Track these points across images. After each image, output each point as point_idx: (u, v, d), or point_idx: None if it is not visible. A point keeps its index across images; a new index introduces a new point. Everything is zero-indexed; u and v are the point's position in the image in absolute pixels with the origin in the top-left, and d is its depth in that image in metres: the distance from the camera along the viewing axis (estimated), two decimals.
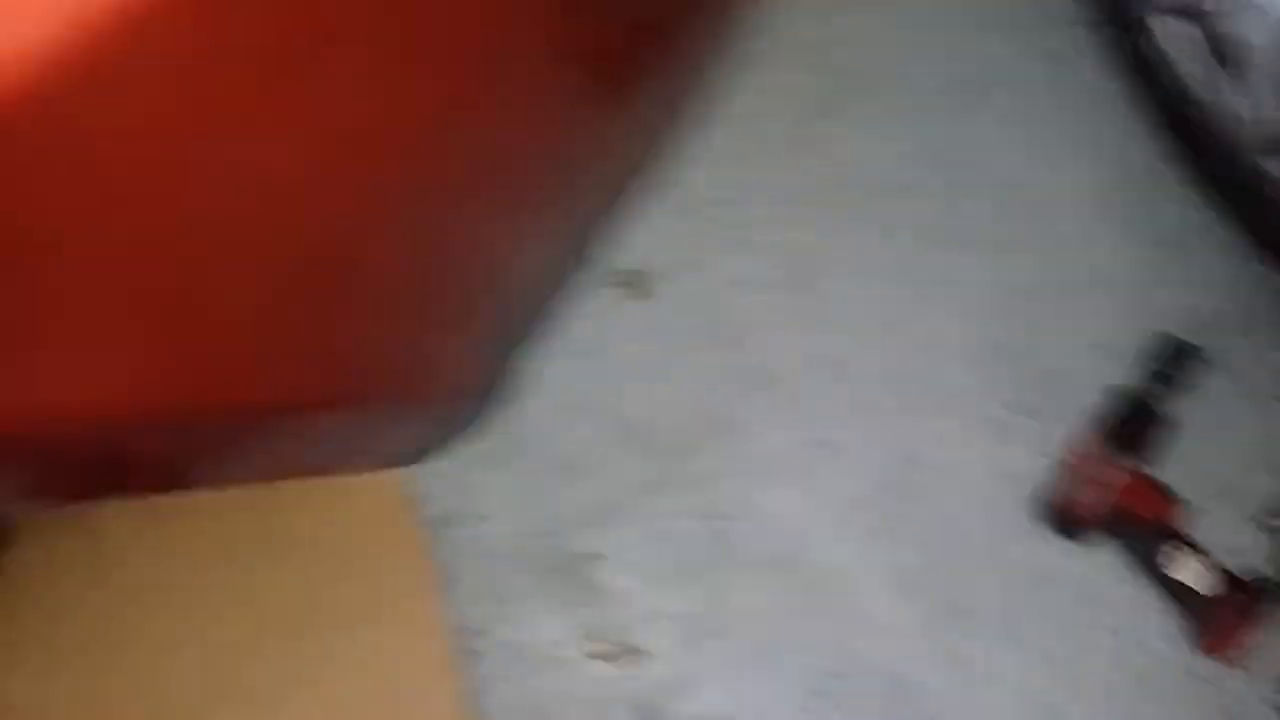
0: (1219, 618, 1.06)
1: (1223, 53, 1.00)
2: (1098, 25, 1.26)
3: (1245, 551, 1.10)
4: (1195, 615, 1.06)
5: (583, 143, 0.53)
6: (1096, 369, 1.16)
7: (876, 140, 1.26)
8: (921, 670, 1.10)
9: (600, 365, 1.20)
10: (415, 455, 0.67)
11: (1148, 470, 1.10)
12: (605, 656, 1.14)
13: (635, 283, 1.21)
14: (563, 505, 1.18)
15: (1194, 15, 1.04)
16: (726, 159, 1.21)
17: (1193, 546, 1.07)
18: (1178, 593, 1.07)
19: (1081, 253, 1.21)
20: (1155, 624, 1.10)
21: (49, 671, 1.13)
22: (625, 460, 1.18)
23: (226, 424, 0.42)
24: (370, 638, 1.15)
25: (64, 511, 1.12)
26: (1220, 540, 1.10)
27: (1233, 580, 1.06)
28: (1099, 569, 1.11)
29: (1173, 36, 1.09)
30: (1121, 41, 1.20)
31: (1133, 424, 1.11)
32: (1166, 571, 1.07)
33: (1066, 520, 1.10)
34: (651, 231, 1.11)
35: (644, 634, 1.14)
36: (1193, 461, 1.12)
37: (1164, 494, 1.09)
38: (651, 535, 1.16)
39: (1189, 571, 1.06)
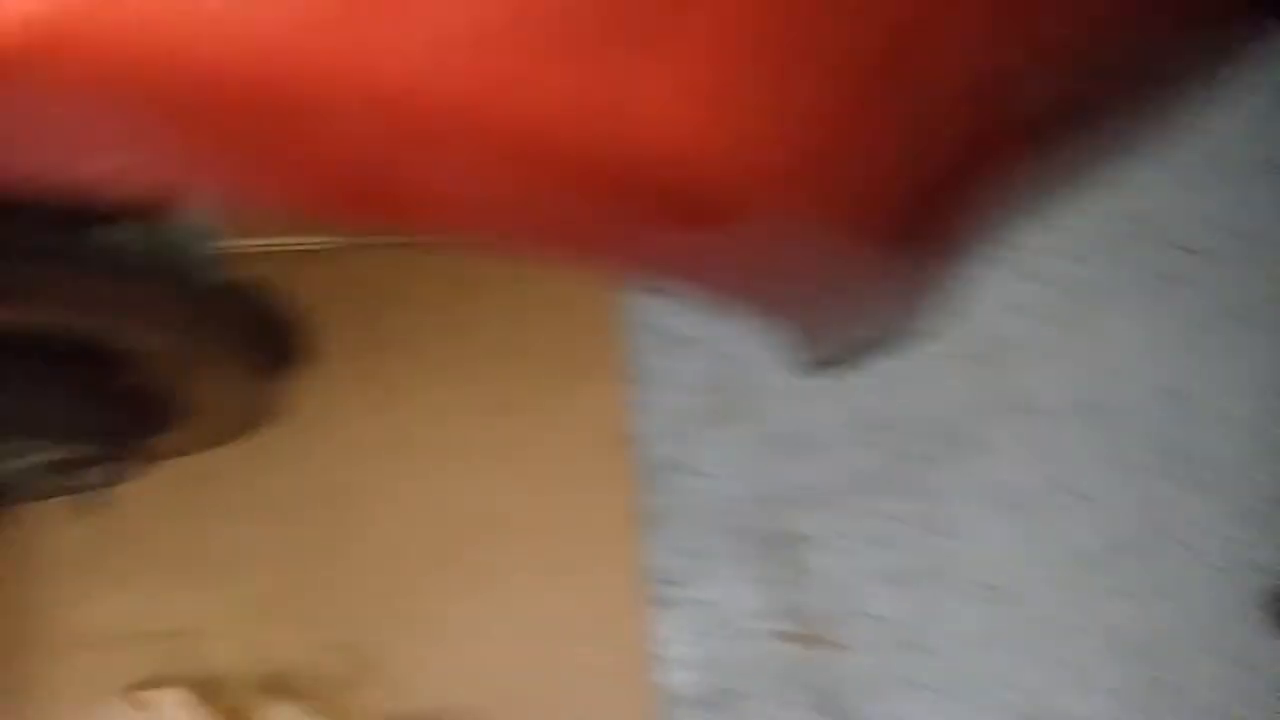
0: None
1: None
2: None
3: None
4: None
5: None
6: None
7: (1181, 194, 1.22)
8: None
9: None
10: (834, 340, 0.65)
11: None
12: (796, 639, 1.13)
13: None
14: (783, 479, 1.17)
15: None
16: None
17: None
18: None
19: None
20: None
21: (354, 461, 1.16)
22: (857, 452, 1.16)
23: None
24: (568, 566, 1.15)
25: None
26: None
27: None
28: None
29: None
30: None
31: None
32: None
33: None
34: None
35: (840, 628, 1.13)
36: None
37: None
38: (868, 532, 1.14)
39: None
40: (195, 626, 1.13)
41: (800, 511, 1.15)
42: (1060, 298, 1.18)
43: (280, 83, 0.33)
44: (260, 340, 0.87)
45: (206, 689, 1.11)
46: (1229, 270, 1.19)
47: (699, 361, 1.19)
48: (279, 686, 1.11)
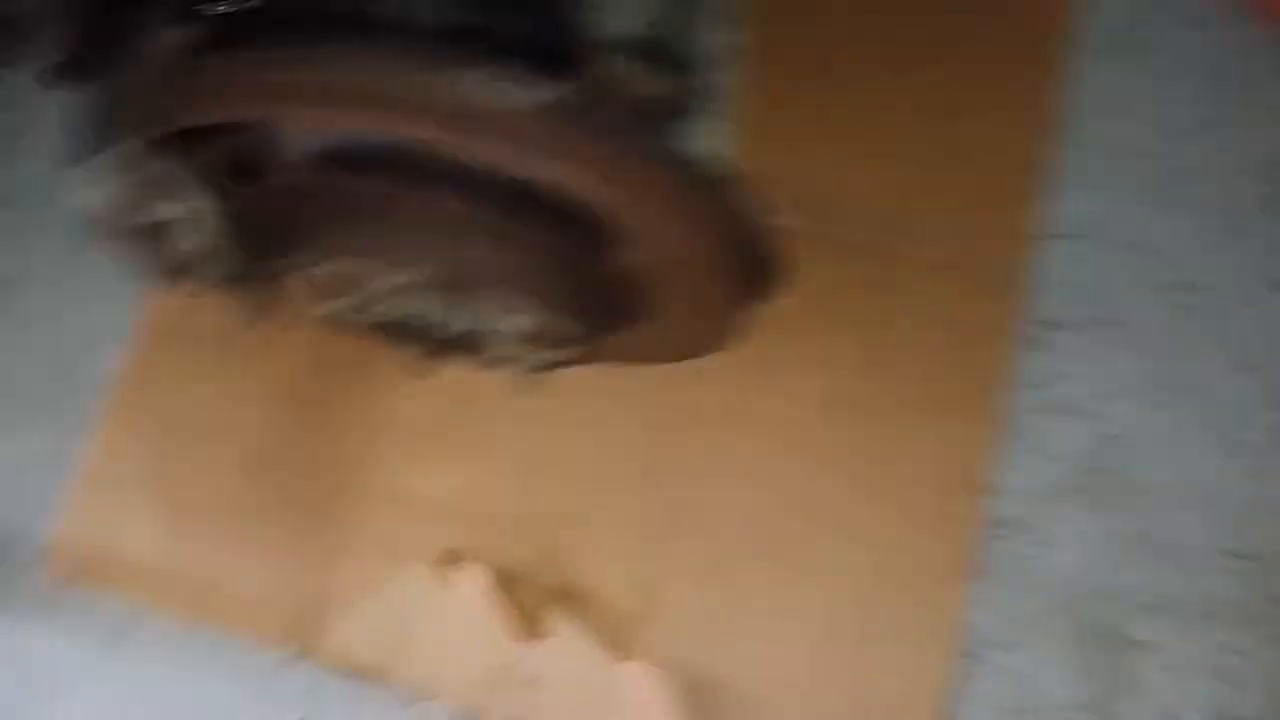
0: None
1: None
2: None
3: None
4: None
5: None
6: None
7: None
8: None
9: (1245, 459, 1.11)
10: None
11: None
12: None
13: None
14: (1132, 579, 1.11)
15: None
16: None
17: None
18: None
19: None
20: None
21: None
22: (1220, 576, 1.10)
23: None
24: (886, 592, 1.14)
25: None
26: None
27: None
28: None
29: None
30: None
31: None
32: None
33: None
34: None
35: None
36: None
37: None
38: (1209, 662, 1.07)
39: None
40: (509, 520, 1.14)
41: (1141, 617, 1.09)
42: None
43: None
44: (748, 263, 0.87)
45: (503, 581, 1.12)
46: None
47: (1081, 436, 1.14)
48: (570, 601, 1.11)
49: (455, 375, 1.07)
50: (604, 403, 1.17)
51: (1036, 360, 1.16)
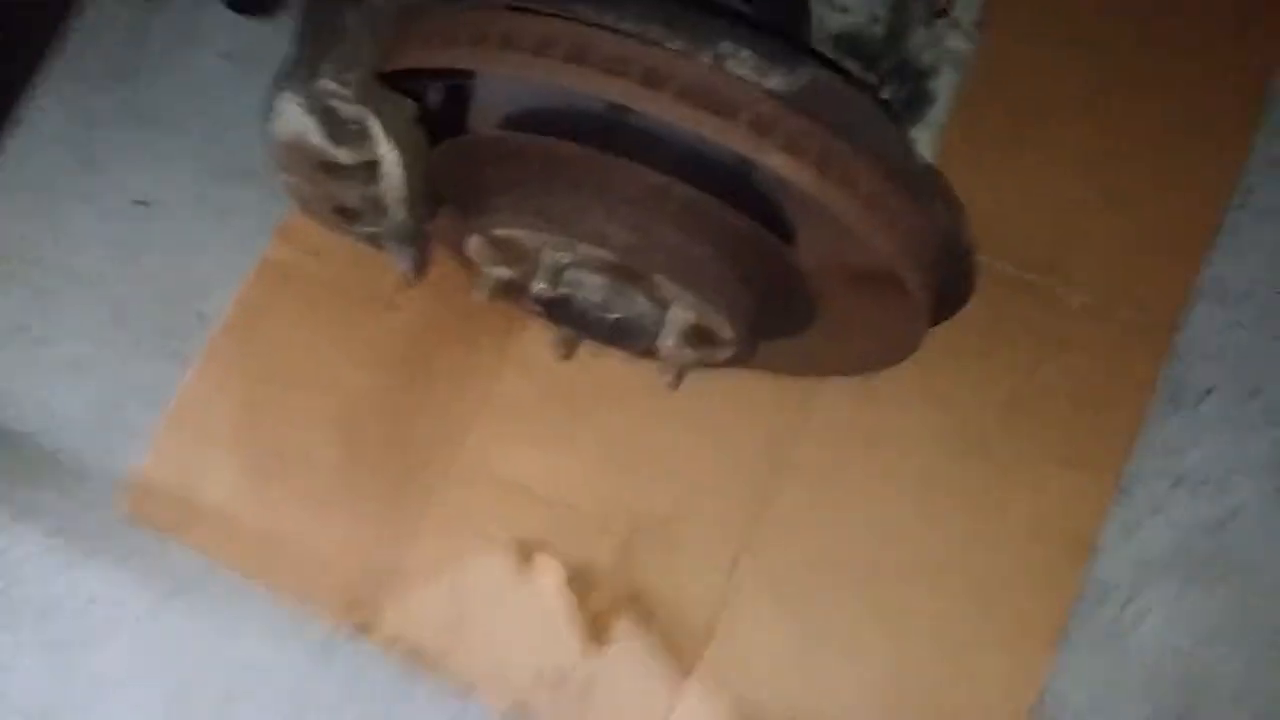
0: None
1: None
2: None
3: None
4: None
5: None
6: None
7: None
8: None
9: None
10: None
11: None
12: None
13: None
14: (1228, 664, 1.07)
15: None
16: None
17: None
18: None
19: None
20: None
21: None
22: None
23: None
24: (972, 647, 1.09)
25: None
26: None
27: None
28: None
29: None
30: None
31: None
32: None
33: None
34: None
35: None
36: None
37: None
38: None
39: None
40: (592, 515, 1.13)
41: (1225, 707, 1.04)
42: None
43: None
44: (945, 283, 0.82)
45: (576, 578, 1.09)
46: None
47: (1199, 508, 1.11)
48: (640, 607, 1.10)
49: (562, 362, 1.04)
50: (714, 409, 1.13)
51: (1171, 424, 1.11)
